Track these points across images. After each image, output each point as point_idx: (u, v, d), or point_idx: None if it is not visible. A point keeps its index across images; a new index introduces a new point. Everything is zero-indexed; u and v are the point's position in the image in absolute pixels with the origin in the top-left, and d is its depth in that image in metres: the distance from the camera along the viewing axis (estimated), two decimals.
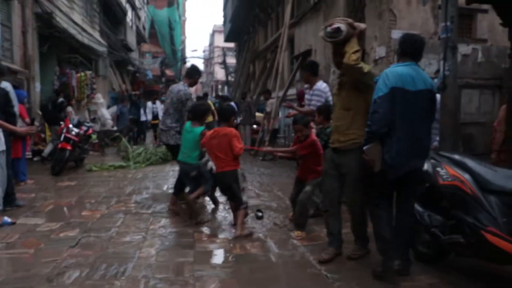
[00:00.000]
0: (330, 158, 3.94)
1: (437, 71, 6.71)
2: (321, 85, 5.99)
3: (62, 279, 3.55)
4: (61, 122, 9.99)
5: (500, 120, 5.58)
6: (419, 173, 3.56)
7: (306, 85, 6.28)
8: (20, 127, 7.70)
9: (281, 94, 12.30)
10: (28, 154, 9.68)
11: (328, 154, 3.99)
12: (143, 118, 16.60)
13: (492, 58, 8.44)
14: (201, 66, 77.03)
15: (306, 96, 6.25)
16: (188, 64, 53.38)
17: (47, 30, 12.93)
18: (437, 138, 4.98)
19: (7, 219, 5.23)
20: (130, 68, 25.88)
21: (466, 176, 3.34)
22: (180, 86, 6.11)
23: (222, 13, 37.28)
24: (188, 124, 5.53)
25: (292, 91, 12.70)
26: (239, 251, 4.29)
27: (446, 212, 3.59)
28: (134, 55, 27.66)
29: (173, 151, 6.08)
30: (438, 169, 3.65)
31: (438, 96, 4.77)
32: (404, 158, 3.38)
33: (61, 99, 11.17)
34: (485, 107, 8.39)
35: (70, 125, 9.54)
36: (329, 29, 3.59)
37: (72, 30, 14.28)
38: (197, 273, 3.69)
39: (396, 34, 7.78)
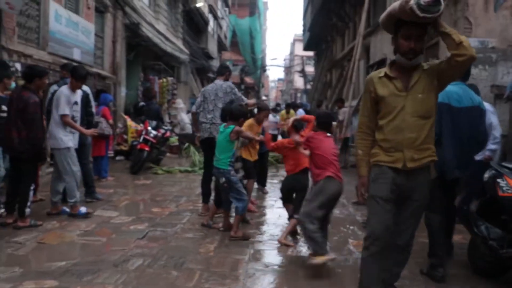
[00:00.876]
0: (390, 181, 2.93)
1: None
2: None
3: (126, 266, 3.89)
4: (141, 125, 10.72)
5: None
6: (461, 182, 3.81)
7: None
8: (105, 127, 8.49)
9: (354, 103, 12.22)
10: (111, 153, 10.44)
11: (382, 176, 2.95)
12: None
13: None
14: (281, 74, 77.91)
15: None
16: (268, 73, 54.18)
17: (134, 40, 13.93)
18: (492, 147, 4.69)
19: (82, 209, 5.71)
20: (211, 75, 26.87)
21: None
22: (219, 82, 6.13)
23: (302, 22, 37.55)
24: (222, 125, 5.19)
25: None
26: (291, 253, 4.42)
27: (505, 225, 3.48)
28: (215, 62, 28.69)
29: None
30: (499, 180, 3.55)
31: (490, 109, 4.66)
32: (450, 167, 3.42)
33: (141, 103, 11.93)
34: None
35: (149, 128, 10.20)
36: (423, 1, 2.66)
37: (156, 39, 15.20)
38: (249, 271, 3.87)
39: (472, 42, 7.48)
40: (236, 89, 6.19)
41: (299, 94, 61.28)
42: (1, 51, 7.64)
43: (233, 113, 5.00)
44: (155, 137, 10.13)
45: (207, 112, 6.04)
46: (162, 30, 16.74)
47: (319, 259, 3.78)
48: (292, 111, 13.36)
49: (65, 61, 9.86)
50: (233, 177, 4.86)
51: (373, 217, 2.96)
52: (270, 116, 15.43)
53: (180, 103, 17.46)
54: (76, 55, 10.49)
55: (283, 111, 15.13)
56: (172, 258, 4.13)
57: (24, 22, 8.56)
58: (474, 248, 3.90)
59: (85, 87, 6.50)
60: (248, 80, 40.47)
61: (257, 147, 6.18)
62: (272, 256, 4.37)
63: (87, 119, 6.43)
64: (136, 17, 13.75)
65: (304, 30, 33.12)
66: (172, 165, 10.89)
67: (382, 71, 3.03)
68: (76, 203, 5.66)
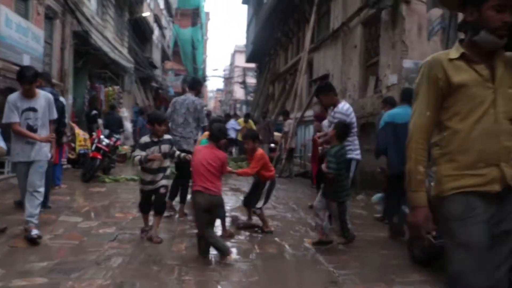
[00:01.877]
0: (487, 218, 2.05)
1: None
2: (343, 106, 5.61)
3: (108, 263, 4.18)
4: (93, 133, 10.79)
5: None
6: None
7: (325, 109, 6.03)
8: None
9: (299, 115, 12.95)
10: (64, 161, 10.40)
11: (473, 212, 2.05)
12: None
13: None
14: (221, 84, 78.44)
15: (329, 118, 5.97)
16: (206, 83, 54.41)
17: (83, 47, 13.88)
18: None
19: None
20: (154, 84, 26.87)
21: None
22: (191, 97, 6.51)
23: (244, 34, 38.35)
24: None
25: (309, 113, 13.33)
26: (258, 250, 4.90)
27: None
28: (158, 72, 28.70)
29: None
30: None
31: None
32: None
33: (94, 112, 11.98)
34: None
35: (102, 136, 10.30)
36: None
37: (106, 48, 15.21)
38: (223, 264, 4.30)
39: (408, 64, 8.39)
40: (204, 109, 6.60)
41: (238, 105, 62.14)
42: None
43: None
44: (107, 145, 10.24)
45: (176, 125, 6.41)
46: (110, 38, 16.74)
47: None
48: (250, 120, 13.92)
49: (15, 67, 9.79)
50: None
51: (469, 275, 2.01)
52: (232, 121, 16.40)
53: (124, 111, 17.49)
54: (26, 61, 10.38)
55: (241, 119, 16.82)
56: (149, 256, 4.45)
57: None
58: (413, 241, 4.55)
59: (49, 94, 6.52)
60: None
61: None
62: (240, 253, 4.81)
63: (60, 129, 6.37)
64: (87, 24, 13.74)
65: (247, 43, 33.90)
66: (119, 173, 10.96)
67: (452, 51, 2.22)
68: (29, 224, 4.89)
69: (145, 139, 5.23)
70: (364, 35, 10.53)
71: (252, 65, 40.35)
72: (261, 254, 4.74)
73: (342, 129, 4.94)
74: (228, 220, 5.83)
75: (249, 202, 5.87)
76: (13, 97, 5.01)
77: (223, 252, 4.39)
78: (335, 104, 5.70)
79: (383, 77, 9.20)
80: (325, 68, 13.22)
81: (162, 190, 5.18)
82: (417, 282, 3.98)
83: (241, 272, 4.13)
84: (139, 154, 5.08)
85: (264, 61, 25.58)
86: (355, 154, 5.60)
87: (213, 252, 4.56)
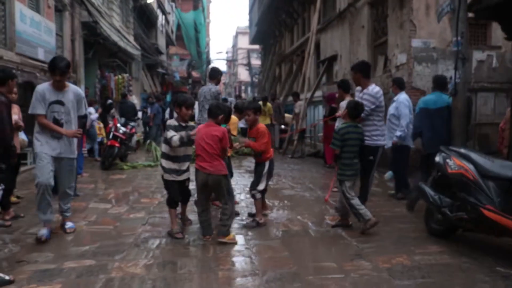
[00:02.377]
0: None
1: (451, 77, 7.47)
2: (373, 89, 5.38)
3: (147, 245, 4.50)
4: (110, 122, 11.07)
5: (507, 120, 6.34)
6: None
7: (357, 88, 5.65)
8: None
9: (308, 96, 13.15)
10: (85, 151, 10.71)
11: None
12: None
13: (506, 64, 9.12)
14: (224, 67, 78.33)
15: (356, 98, 5.70)
16: (212, 65, 54.39)
17: (92, 38, 14.08)
18: (398, 134, 6.65)
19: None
20: (160, 70, 27.03)
21: (470, 166, 4.17)
22: (210, 86, 7.04)
23: (246, 16, 38.21)
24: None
25: (318, 93, 13.52)
26: (283, 228, 5.20)
27: (453, 195, 4.41)
28: (163, 57, 28.82)
29: None
30: (448, 160, 4.49)
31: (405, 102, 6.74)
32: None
33: (109, 101, 12.25)
34: (499, 109, 9.07)
35: (118, 124, 10.58)
36: None
37: (115, 37, 15.39)
38: (250, 243, 4.60)
39: (416, 43, 8.56)
40: (220, 96, 6.94)
41: (243, 87, 62.20)
42: None
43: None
44: (124, 133, 10.52)
45: (202, 114, 6.80)
46: (117, 27, 16.89)
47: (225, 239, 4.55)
48: (268, 104, 13.99)
49: (32, 61, 10.06)
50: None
51: None
52: None
53: (134, 99, 17.71)
54: (41, 54, 10.64)
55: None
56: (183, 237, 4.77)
57: None
58: (430, 215, 4.83)
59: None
60: (195, 74, 40.73)
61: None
62: (270, 231, 5.11)
63: (82, 121, 6.30)
64: (96, 14, 13.90)
65: (250, 25, 33.84)
66: (135, 160, 11.28)
67: None
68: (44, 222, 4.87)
69: (173, 122, 4.98)
70: (372, 15, 10.66)
71: (256, 46, 40.33)
72: (286, 232, 5.05)
73: (353, 108, 5.02)
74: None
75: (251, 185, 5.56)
76: (42, 88, 4.86)
77: (203, 232, 4.71)
78: (362, 85, 5.50)
79: (392, 57, 9.38)
80: (332, 48, 13.36)
81: (187, 183, 5.14)
82: (435, 252, 4.27)
83: (271, 249, 4.43)
84: (175, 134, 4.76)
85: (269, 42, 25.63)
86: (382, 140, 5.45)
87: (247, 232, 4.87)
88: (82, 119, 6.63)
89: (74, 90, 5.10)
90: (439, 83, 6.36)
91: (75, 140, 5.23)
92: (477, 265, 3.91)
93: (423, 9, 8.56)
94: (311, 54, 13.18)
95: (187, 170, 5.07)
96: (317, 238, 4.86)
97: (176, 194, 5.00)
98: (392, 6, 9.35)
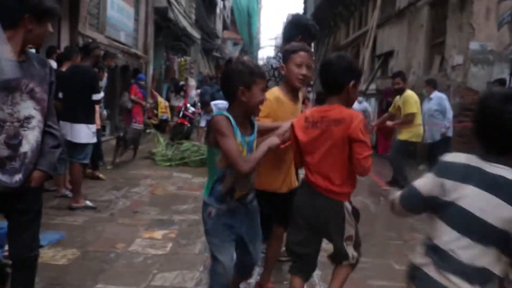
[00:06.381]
0: None
1: (496, 80, 8.19)
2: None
3: None
4: (180, 103, 12.20)
5: None
6: None
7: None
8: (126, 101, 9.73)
9: (363, 88, 13.79)
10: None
11: None
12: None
13: None
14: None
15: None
16: (263, 50, 54.64)
17: (163, 22, 15.21)
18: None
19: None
20: (215, 54, 28.12)
21: None
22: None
23: (296, 3, 38.51)
24: None
25: (372, 87, 14.12)
26: None
27: None
28: (218, 41, 29.86)
29: None
30: None
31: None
32: None
33: (182, 83, 13.37)
34: None
35: (188, 104, 11.67)
36: None
37: (184, 22, 16.47)
38: None
39: (474, 45, 9.07)
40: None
41: None
42: (78, 37, 8.98)
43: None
44: (193, 113, 11.60)
45: None
46: (181, 11, 17.96)
47: None
48: None
49: (117, 43, 11.22)
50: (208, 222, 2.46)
51: None
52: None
53: (192, 81, 18.84)
54: (122, 37, 11.80)
55: None
56: None
57: (90, 10, 9.85)
58: None
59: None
60: (246, 58, 41.61)
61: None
62: None
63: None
64: (165, 1, 15.00)
65: (305, 14, 34.33)
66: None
67: None
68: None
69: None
70: (431, 15, 11.15)
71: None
72: None
73: None
74: None
75: None
76: None
77: None
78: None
79: (448, 57, 9.91)
80: (389, 44, 13.89)
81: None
82: None
83: None
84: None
85: (324, 33, 26.15)
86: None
87: None
88: None
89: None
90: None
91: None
92: None
93: (484, 12, 9.01)
94: (369, 49, 13.77)
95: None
96: (376, 214, 5.68)
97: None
98: (452, 8, 9.83)
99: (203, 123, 9.97)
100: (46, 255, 3.58)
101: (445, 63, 10.14)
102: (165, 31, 16.26)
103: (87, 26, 9.43)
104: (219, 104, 8.20)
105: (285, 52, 2.94)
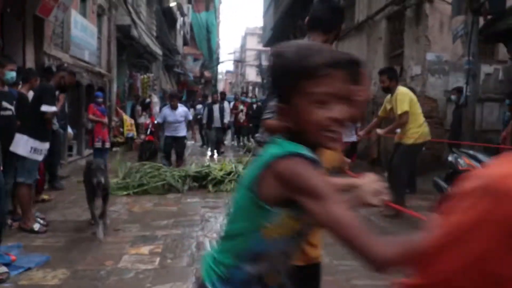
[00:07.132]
0: None
1: (454, 89, 8.66)
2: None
3: (218, 220, 5.56)
4: (147, 119, 12.16)
5: (507, 132, 7.29)
6: None
7: None
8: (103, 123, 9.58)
9: None
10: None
11: None
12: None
13: (511, 76, 10.14)
14: (230, 67, 79.41)
15: None
16: (222, 66, 55.05)
17: (126, 40, 15.18)
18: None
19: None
20: (176, 70, 28.12)
21: (477, 164, 5.21)
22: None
23: (255, 16, 39.16)
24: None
25: None
26: None
27: None
28: (178, 57, 29.90)
29: None
30: (459, 160, 5.54)
31: None
32: None
33: (148, 100, 13.35)
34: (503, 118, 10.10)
35: (155, 121, 11.66)
36: None
37: (147, 39, 16.48)
38: None
39: (430, 56, 9.59)
40: None
41: (251, 87, 63.19)
42: (43, 57, 8.89)
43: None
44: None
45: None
46: (144, 29, 17.98)
47: None
48: None
49: (81, 62, 11.14)
50: None
51: None
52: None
53: (154, 97, 18.81)
54: (86, 56, 11.72)
55: None
56: None
57: (54, 29, 9.77)
58: None
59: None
60: (207, 74, 41.80)
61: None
62: None
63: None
64: (126, 18, 14.99)
65: (264, 28, 34.90)
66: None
67: None
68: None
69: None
70: (389, 29, 11.70)
71: (268, 48, 41.37)
72: None
73: None
74: None
75: None
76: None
77: None
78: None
79: (407, 68, 10.41)
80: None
81: None
82: None
83: None
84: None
85: None
86: None
87: None
88: None
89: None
90: None
91: None
92: None
93: (438, 26, 9.57)
94: None
95: None
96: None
97: None
98: (408, 22, 10.37)
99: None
100: (36, 276, 3.58)
101: (404, 73, 10.64)
102: (128, 49, 16.24)
103: (52, 46, 9.35)
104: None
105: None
